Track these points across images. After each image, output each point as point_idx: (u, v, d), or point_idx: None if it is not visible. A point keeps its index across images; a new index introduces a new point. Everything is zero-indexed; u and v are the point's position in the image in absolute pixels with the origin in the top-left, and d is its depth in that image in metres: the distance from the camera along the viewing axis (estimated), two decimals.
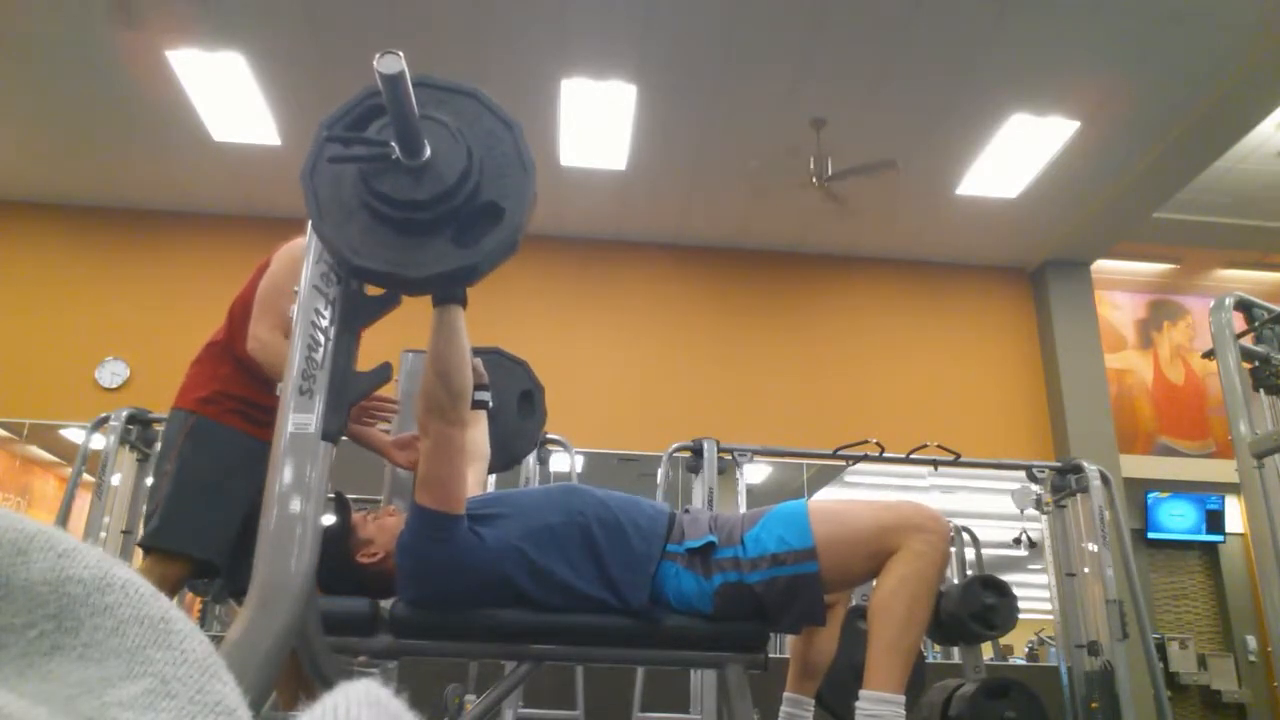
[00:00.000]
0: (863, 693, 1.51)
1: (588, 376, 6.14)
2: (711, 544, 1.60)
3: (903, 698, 1.50)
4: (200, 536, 2.13)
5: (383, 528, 1.70)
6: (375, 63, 1.12)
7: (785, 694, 2.02)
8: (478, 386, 1.84)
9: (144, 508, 4.00)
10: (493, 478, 4.46)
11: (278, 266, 2.17)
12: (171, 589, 2.15)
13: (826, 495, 6.09)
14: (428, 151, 1.24)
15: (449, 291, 1.43)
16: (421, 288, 1.31)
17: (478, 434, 2.01)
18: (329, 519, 1.72)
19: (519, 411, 2.35)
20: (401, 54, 1.12)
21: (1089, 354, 6.57)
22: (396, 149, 1.23)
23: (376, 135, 1.27)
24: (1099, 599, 3.95)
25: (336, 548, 1.66)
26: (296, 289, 1.36)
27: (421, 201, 1.23)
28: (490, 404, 1.98)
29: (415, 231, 1.25)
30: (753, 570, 1.56)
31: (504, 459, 2.33)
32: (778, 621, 1.62)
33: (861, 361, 6.52)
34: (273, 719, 1.93)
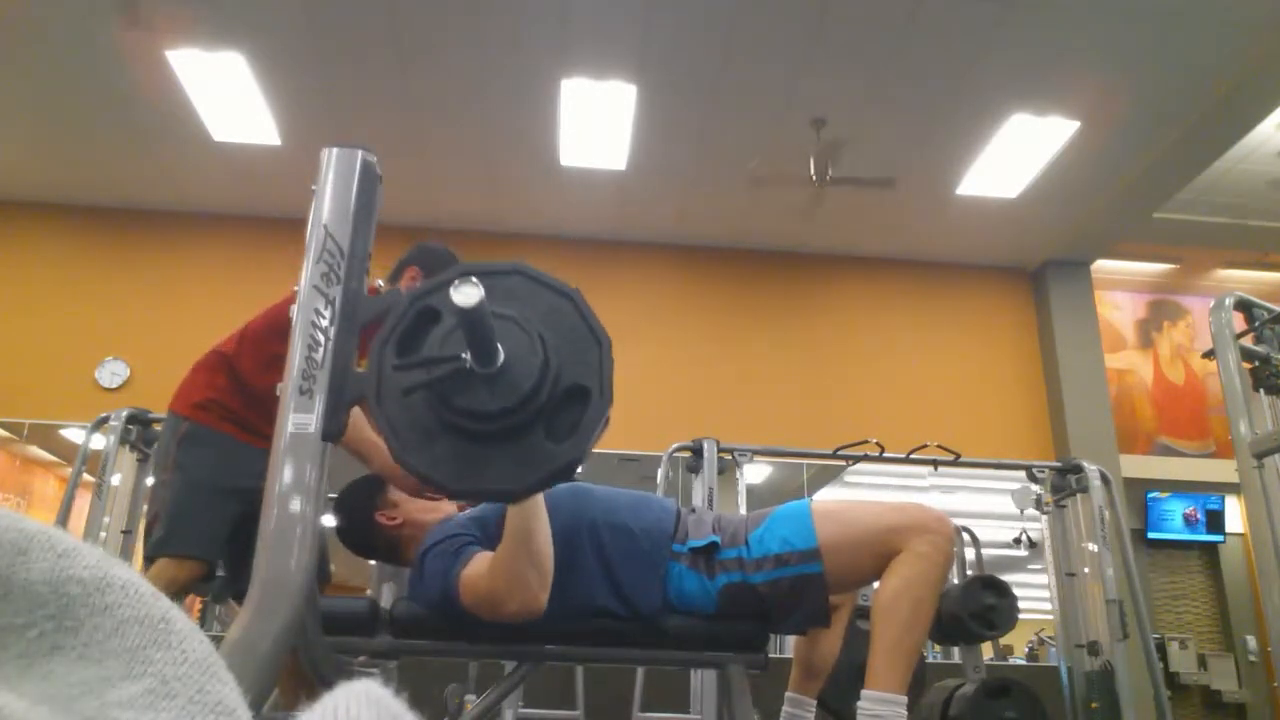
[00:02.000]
0: (865, 693, 1.51)
1: None
2: (715, 544, 1.60)
3: (904, 698, 1.50)
4: (208, 540, 2.16)
5: (411, 498, 1.71)
6: (452, 294, 1.05)
7: (787, 694, 2.02)
8: None
9: (144, 509, 4.01)
10: None
11: None
12: (181, 592, 2.17)
13: (826, 495, 6.09)
14: (502, 356, 1.16)
15: None
16: (528, 494, 1.25)
17: None
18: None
19: None
20: (477, 280, 1.05)
21: (1089, 354, 6.57)
22: (469, 359, 1.15)
23: (440, 349, 1.18)
24: (1099, 599, 3.95)
25: (363, 497, 1.68)
26: (296, 288, 1.36)
27: (505, 410, 1.15)
28: None
29: (507, 439, 1.17)
30: (757, 571, 1.56)
31: None
32: (782, 622, 1.61)
33: (861, 361, 6.51)
34: (273, 719, 1.93)
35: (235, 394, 2.24)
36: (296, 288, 1.36)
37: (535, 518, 1.42)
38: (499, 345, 1.16)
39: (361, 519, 1.69)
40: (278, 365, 2.11)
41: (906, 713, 1.50)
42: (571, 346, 1.21)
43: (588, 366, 1.21)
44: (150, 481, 3.99)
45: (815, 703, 2.02)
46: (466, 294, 1.05)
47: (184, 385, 2.32)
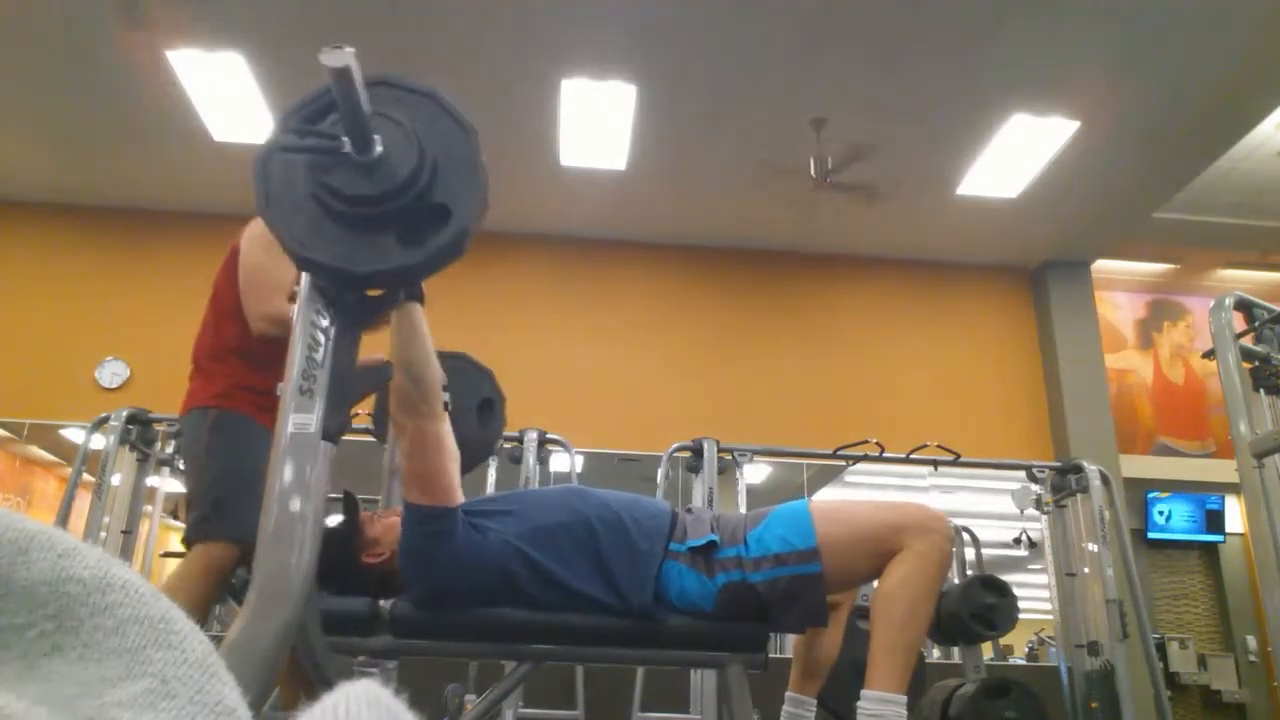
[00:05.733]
0: (864, 692, 1.51)
1: (588, 376, 6.14)
2: (714, 543, 1.60)
3: (904, 697, 1.50)
4: (248, 523, 2.16)
5: (388, 527, 1.70)
6: (321, 56, 1.11)
7: (787, 694, 2.02)
8: None
9: (145, 508, 4.01)
10: (493, 477, 4.46)
11: (248, 246, 2.26)
12: (219, 575, 2.16)
13: (826, 495, 6.09)
14: (379, 148, 1.23)
15: (406, 289, 1.45)
16: (365, 284, 1.32)
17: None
18: (335, 519, 1.74)
19: (478, 419, 2.34)
20: (349, 48, 1.12)
21: (1089, 354, 6.57)
22: (347, 143, 1.22)
23: (329, 129, 1.26)
24: (1099, 599, 3.95)
25: (342, 547, 1.67)
26: (298, 288, 1.36)
27: (369, 197, 1.23)
28: (449, 406, 1.98)
29: (362, 227, 1.25)
30: (755, 570, 1.56)
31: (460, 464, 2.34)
32: (781, 621, 1.62)
33: (861, 361, 6.51)
34: (273, 719, 1.93)
35: (249, 370, 2.24)
36: (297, 287, 1.37)
37: (411, 337, 1.50)
38: (378, 140, 1.23)
39: (349, 568, 1.65)
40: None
41: (907, 712, 1.50)
42: (453, 172, 1.30)
43: (459, 193, 1.29)
44: (150, 482, 4.00)
45: (815, 702, 2.02)
46: (335, 57, 1.11)
47: (195, 388, 2.32)
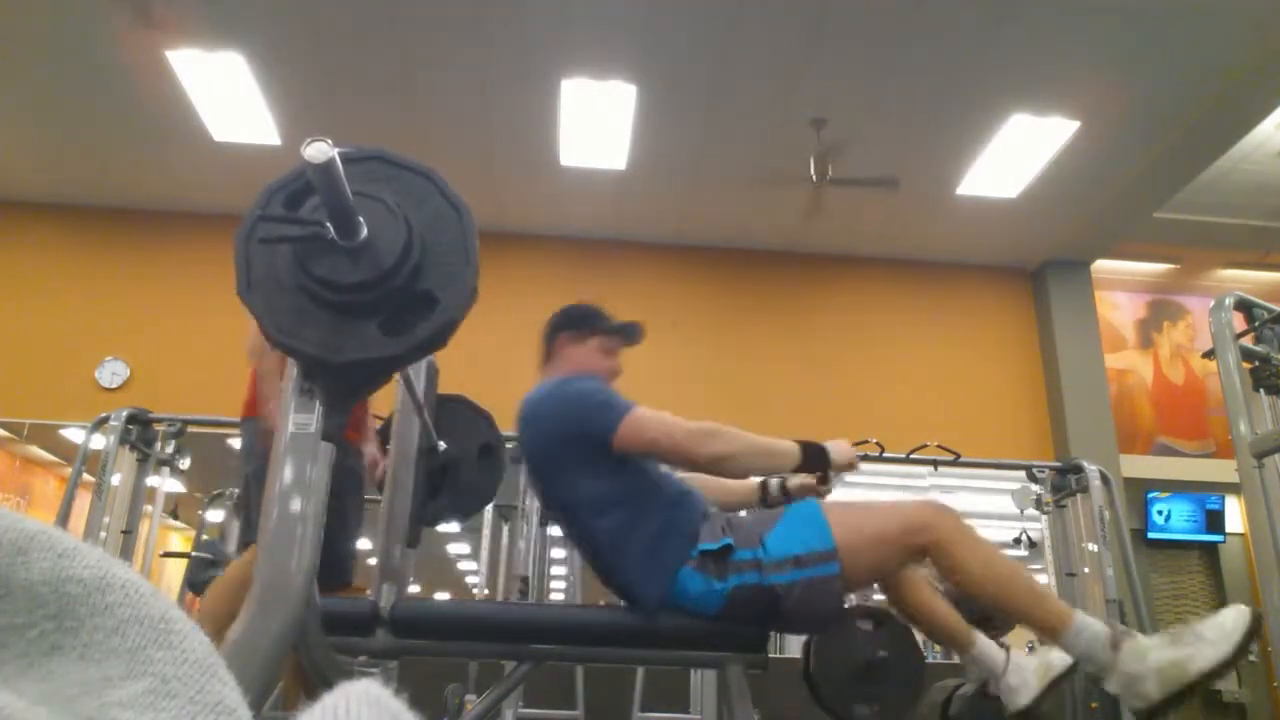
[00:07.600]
0: (1060, 640, 1.56)
1: None
2: (729, 546, 1.61)
3: (1075, 623, 1.56)
4: None
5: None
6: (303, 150, 1.08)
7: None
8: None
9: (145, 507, 4.01)
10: None
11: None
12: None
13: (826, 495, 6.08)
14: (364, 232, 1.20)
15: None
16: (344, 373, 1.27)
17: None
18: None
19: (479, 465, 2.33)
20: (329, 141, 1.08)
21: (1089, 354, 6.57)
22: (331, 229, 1.19)
23: (311, 214, 1.22)
24: (1099, 599, 3.95)
25: None
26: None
27: (354, 284, 1.20)
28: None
29: (345, 313, 1.22)
30: (776, 572, 1.58)
31: (460, 511, 2.32)
32: (796, 623, 1.64)
33: (861, 361, 6.51)
34: (273, 719, 1.93)
35: None
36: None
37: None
38: (363, 225, 1.19)
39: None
40: None
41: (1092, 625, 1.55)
42: (441, 256, 1.25)
43: (447, 280, 1.25)
44: (150, 482, 4.00)
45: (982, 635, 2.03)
46: (316, 152, 1.08)
47: (253, 397, 2.49)
